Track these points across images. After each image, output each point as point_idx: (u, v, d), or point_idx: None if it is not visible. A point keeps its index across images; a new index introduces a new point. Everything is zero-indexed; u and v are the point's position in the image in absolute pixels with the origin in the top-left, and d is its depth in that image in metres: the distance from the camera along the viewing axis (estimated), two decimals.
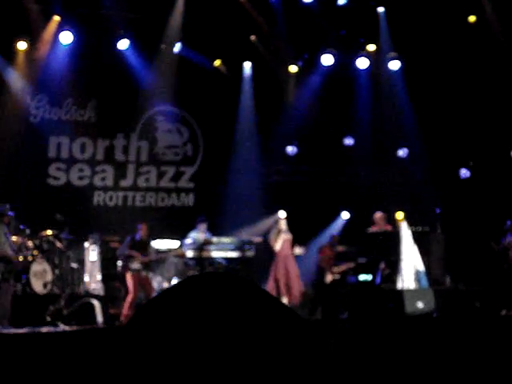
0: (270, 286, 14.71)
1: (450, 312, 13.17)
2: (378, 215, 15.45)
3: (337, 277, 15.31)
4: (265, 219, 16.92)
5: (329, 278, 15.23)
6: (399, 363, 8.23)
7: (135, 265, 13.72)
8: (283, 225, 15.11)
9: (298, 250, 15.26)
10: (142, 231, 14.04)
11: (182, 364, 0.98)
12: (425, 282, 13.76)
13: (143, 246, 13.94)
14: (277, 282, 14.82)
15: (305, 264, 15.63)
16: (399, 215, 14.86)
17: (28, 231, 13.10)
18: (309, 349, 1.04)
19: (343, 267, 15.36)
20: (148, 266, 14.09)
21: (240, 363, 0.98)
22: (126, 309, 13.60)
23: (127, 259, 13.83)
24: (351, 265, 15.38)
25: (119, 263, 14.21)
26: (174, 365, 0.98)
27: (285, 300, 14.35)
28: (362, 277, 15.13)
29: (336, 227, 17.44)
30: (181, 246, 14.90)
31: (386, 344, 9.24)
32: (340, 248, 15.72)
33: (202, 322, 1.00)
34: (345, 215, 17.90)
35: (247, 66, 17.82)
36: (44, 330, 11.70)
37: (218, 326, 1.00)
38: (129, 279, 13.78)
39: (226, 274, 1.11)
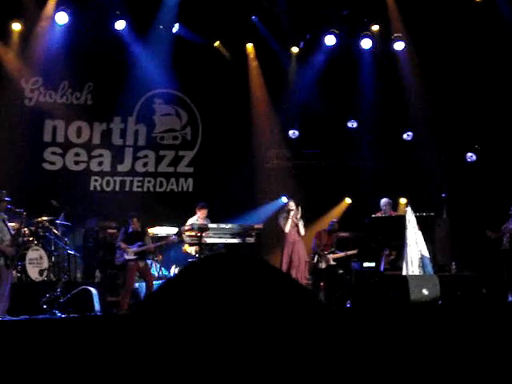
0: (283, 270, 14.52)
1: (455, 299, 13.03)
2: (384, 201, 15.24)
3: (332, 263, 15.07)
4: (266, 205, 16.75)
5: (323, 264, 15.02)
6: (404, 351, 8.04)
7: (130, 255, 13.62)
8: (292, 207, 14.83)
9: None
10: (133, 224, 13.91)
11: (194, 349, 0.96)
12: (430, 268, 13.59)
13: (137, 237, 13.81)
14: (286, 267, 14.60)
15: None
16: (402, 201, 14.61)
17: (24, 217, 12.85)
18: (323, 327, 1.04)
19: (341, 254, 15.12)
20: (145, 255, 13.97)
21: (258, 340, 0.97)
22: (121, 298, 13.58)
23: (123, 251, 13.76)
24: (349, 253, 15.15)
25: (117, 254, 14.08)
26: (185, 351, 0.96)
27: None
28: (366, 264, 14.93)
29: (337, 213, 17.27)
30: (179, 232, 14.68)
31: (390, 332, 9.05)
32: (343, 234, 15.48)
33: (214, 305, 0.99)
34: (348, 200, 17.66)
35: (249, 47, 17.50)
36: (40, 317, 11.57)
37: (233, 306, 0.99)
38: (127, 270, 13.71)
39: (234, 255, 1.12)
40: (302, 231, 14.78)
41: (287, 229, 14.73)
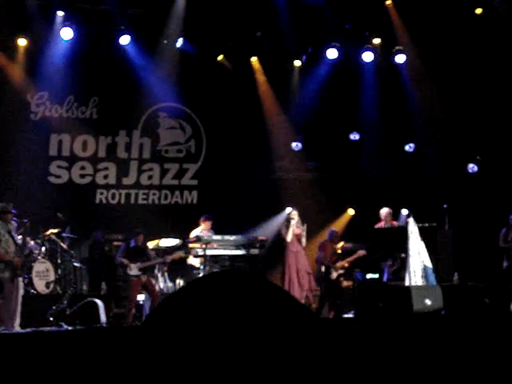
0: (285, 282, 14.55)
1: (458, 309, 13.03)
2: (385, 211, 15.31)
3: (341, 272, 15.10)
4: (272, 217, 16.82)
5: (334, 274, 15.06)
6: (407, 361, 8.10)
7: (133, 271, 13.73)
8: (294, 216, 14.89)
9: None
10: (138, 239, 14.01)
11: (198, 360, 1.05)
12: (433, 278, 13.60)
13: (139, 253, 13.91)
14: (289, 278, 14.63)
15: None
16: (404, 212, 14.66)
17: (29, 230, 12.95)
18: (319, 343, 1.12)
19: (344, 262, 15.16)
20: (148, 270, 14.07)
21: (254, 356, 1.06)
22: (126, 311, 13.73)
23: (122, 266, 13.85)
24: (352, 258, 15.16)
25: (119, 270, 14.19)
26: (190, 362, 1.06)
27: (297, 296, 14.16)
28: (369, 275, 14.98)
29: (340, 224, 17.31)
30: (184, 245, 14.76)
31: (394, 342, 9.10)
32: (346, 245, 15.53)
33: (217, 320, 1.08)
34: (351, 212, 17.71)
35: (254, 61, 17.63)
36: (47, 329, 11.52)
37: (232, 323, 1.07)
38: (130, 285, 13.85)
39: (236, 272, 1.21)
40: (304, 241, 14.85)
41: (289, 238, 14.78)
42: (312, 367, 1.02)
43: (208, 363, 0.98)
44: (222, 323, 1.00)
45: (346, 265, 15.14)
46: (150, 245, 14.49)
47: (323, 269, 15.16)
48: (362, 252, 15.10)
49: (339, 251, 15.28)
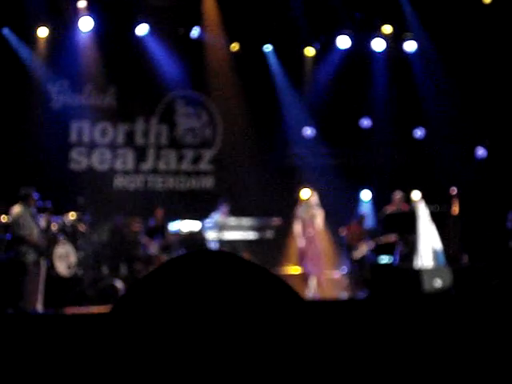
0: (309, 266, 14.34)
1: (467, 289, 13.21)
2: (397, 195, 15.53)
3: (367, 252, 15.28)
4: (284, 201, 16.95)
5: (358, 254, 15.20)
6: (417, 342, 8.33)
7: (152, 249, 13.91)
8: (310, 196, 14.62)
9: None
10: (157, 216, 14.15)
11: (172, 349, 0.94)
12: (442, 260, 13.82)
13: (159, 231, 14.08)
14: (304, 257, 14.34)
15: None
16: (415, 195, 14.79)
17: (51, 211, 13.21)
18: (305, 329, 0.99)
19: (372, 243, 15.32)
20: (167, 249, 14.29)
21: (231, 341, 0.94)
22: None
23: (145, 245, 14.04)
24: (383, 242, 15.22)
25: (140, 251, 14.41)
26: (164, 351, 0.94)
27: (314, 281, 14.23)
28: (382, 258, 15.20)
29: (361, 207, 17.40)
30: (202, 228, 14.99)
31: (405, 323, 9.33)
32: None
33: (190, 302, 0.96)
34: (366, 195, 17.83)
35: (268, 48, 17.85)
36: (69, 311, 11.80)
37: (208, 306, 0.96)
38: (151, 264, 13.95)
39: (212, 252, 1.07)
40: (321, 223, 14.49)
41: (305, 220, 14.42)
42: (292, 350, 0.93)
43: (181, 348, 0.91)
44: (196, 305, 0.93)
45: (372, 246, 15.27)
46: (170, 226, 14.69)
47: (348, 250, 15.30)
48: (393, 237, 15.01)
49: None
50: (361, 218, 15.90)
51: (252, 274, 1.02)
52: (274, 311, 0.98)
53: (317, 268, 14.40)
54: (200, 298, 0.97)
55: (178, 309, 0.96)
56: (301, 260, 14.49)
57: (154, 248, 13.97)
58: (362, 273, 14.92)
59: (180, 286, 0.99)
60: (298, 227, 14.54)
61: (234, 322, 0.96)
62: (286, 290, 1.03)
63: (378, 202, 16.57)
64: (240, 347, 0.94)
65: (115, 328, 1.00)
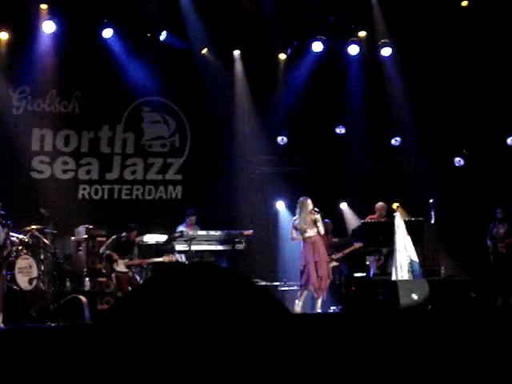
0: (304, 274, 13.46)
1: (445, 303, 13.02)
2: (379, 205, 15.20)
3: (335, 264, 14.79)
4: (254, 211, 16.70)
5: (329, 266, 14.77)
6: (394, 357, 8.06)
7: (120, 267, 13.61)
8: (310, 205, 13.54)
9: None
10: (130, 235, 13.83)
11: (156, 356, 1.04)
12: (419, 272, 13.60)
13: (128, 247, 13.78)
14: (308, 267, 13.34)
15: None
16: (395, 206, 14.52)
17: (12, 226, 12.79)
18: (291, 340, 1.15)
19: (340, 254, 14.93)
20: (133, 266, 13.97)
21: (214, 350, 1.07)
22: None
23: (110, 260, 13.69)
24: (349, 250, 14.87)
25: (103, 262, 14.02)
26: (148, 358, 1.06)
27: (312, 288, 13.50)
28: (357, 273, 14.88)
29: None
30: (168, 241, 14.66)
31: (380, 337, 9.06)
32: (334, 239, 15.38)
33: (179, 313, 1.10)
34: (343, 206, 17.60)
35: (237, 54, 17.51)
36: (30, 326, 11.42)
37: (193, 318, 1.10)
38: (119, 281, 13.62)
39: (197, 264, 1.06)
40: (322, 229, 13.57)
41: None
42: (278, 358, 1.04)
43: (167, 357, 0.98)
44: (181, 317, 1.00)
45: (339, 256, 14.88)
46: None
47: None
48: (358, 244, 14.75)
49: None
50: (326, 227, 15.31)
51: (235, 284, 1.21)
52: (259, 321, 1.25)
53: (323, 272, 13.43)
54: (186, 310, 1.25)
55: (165, 321, 1.21)
56: (305, 278, 13.46)
57: (121, 266, 13.63)
58: (335, 285, 14.49)
59: (165, 300, 1.23)
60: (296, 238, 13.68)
61: (219, 332, 1.22)
62: (270, 300, 1.22)
63: (353, 210, 16.33)
64: (226, 357, 1.21)
65: (99, 341, 1.17)
